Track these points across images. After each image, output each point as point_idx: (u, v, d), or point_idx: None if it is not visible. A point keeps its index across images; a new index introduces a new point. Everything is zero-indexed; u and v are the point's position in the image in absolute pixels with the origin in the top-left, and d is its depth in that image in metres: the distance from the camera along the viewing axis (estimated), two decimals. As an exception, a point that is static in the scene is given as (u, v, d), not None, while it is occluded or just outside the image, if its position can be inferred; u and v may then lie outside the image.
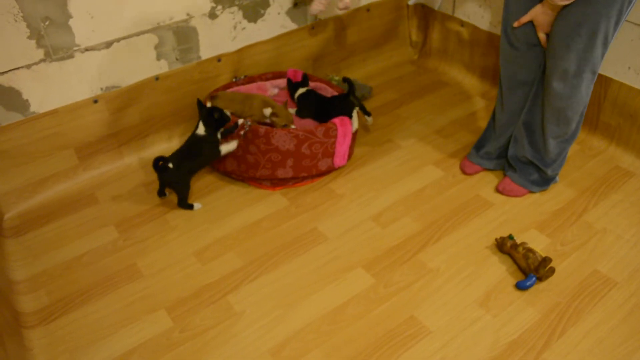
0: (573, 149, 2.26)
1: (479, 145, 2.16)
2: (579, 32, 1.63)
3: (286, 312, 1.66)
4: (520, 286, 1.70)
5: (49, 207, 2.07)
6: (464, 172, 2.16)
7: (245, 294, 1.72)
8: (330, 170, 2.14)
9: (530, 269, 1.71)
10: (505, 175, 2.10)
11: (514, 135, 2.04)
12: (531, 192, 2.05)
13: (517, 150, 2.04)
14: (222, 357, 1.55)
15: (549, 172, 2.00)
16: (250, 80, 2.35)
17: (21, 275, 1.81)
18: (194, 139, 1.96)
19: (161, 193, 2.07)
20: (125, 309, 1.69)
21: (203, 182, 2.16)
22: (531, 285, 1.70)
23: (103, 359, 1.55)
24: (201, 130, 1.93)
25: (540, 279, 1.72)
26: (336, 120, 2.04)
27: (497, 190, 2.07)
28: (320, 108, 2.21)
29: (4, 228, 1.98)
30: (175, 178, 1.97)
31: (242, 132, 1.96)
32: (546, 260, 1.68)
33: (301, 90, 2.29)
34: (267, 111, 2.06)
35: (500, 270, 1.78)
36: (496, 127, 2.07)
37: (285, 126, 2.04)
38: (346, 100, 2.15)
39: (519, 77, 1.91)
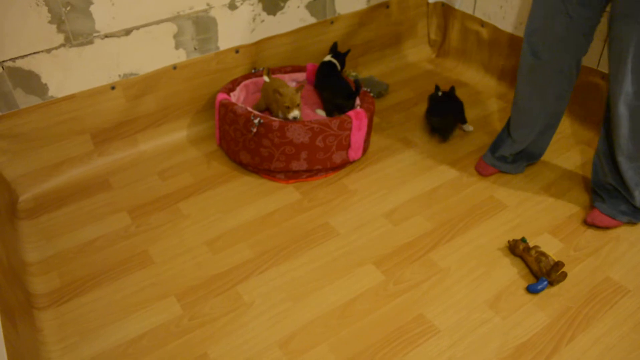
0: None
1: (494, 148, 2.13)
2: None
3: (295, 304, 1.67)
4: (531, 290, 1.69)
5: (64, 191, 2.09)
6: (479, 173, 2.15)
7: (255, 285, 1.73)
8: (345, 163, 2.13)
9: (542, 273, 1.69)
10: (593, 206, 1.95)
11: (593, 162, 1.95)
12: (622, 222, 1.90)
13: (599, 177, 1.93)
14: (230, 346, 1.55)
15: (637, 201, 1.86)
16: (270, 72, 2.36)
17: (34, 257, 1.83)
18: (448, 96, 2.33)
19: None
20: (136, 294, 1.70)
21: (217, 172, 2.17)
22: (542, 289, 1.69)
23: (112, 343, 1.56)
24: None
25: (551, 284, 1.70)
26: (351, 113, 2.04)
27: (587, 222, 1.92)
28: (328, 82, 2.26)
29: (18, 210, 2.00)
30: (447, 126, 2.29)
31: (253, 129, 1.96)
32: (558, 265, 1.67)
33: (326, 58, 2.34)
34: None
35: (511, 273, 1.77)
36: (512, 135, 2.04)
37: (288, 108, 2.01)
38: (350, 98, 2.18)
39: (539, 90, 1.87)
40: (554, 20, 1.73)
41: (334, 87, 2.22)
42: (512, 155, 2.09)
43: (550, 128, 2.04)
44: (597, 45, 2.21)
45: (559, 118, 2.01)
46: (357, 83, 2.17)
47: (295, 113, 2.01)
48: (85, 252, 1.85)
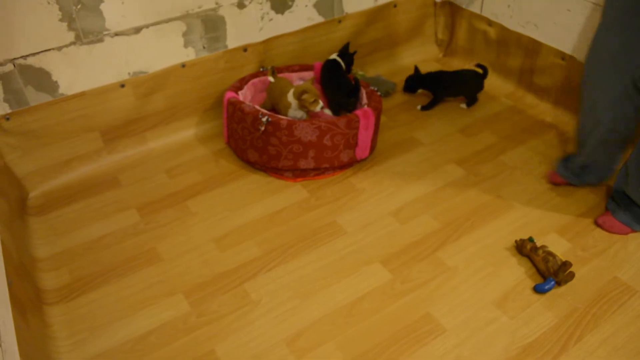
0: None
1: (565, 157, 2.06)
2: None
3: (302, 302, 1.67)
4: (538, 289, 1.69)
5: (73, 187, 2.11)
6: (551, 181, 2.08)
7: (262, 282, 1.74)
8: (352, 162, 2.14)
9: (550, 273, 1.69)
10: (606, 209, 1.94)
11: (620, 170, 1.88)
12: (634, 231, 1.88)
13: (621, 185, 1.88)
14: (237, 343, 1.56)
15: None
16: (277, 71, 2.36)
17: (44, 253, 1.85)
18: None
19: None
20: (144, 291, 1.71)
21: (225, 170, 2.18)
22: (549, 289, 1.69)
23: (121, 339, 1.57)
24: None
25: (559, 284, 1.70)
26: (359, 112, 2.04)
27: (597, 223, 1.92)
28: (329, 81, 2.27)
29: (28, 206, 2.02)
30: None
31: (261, 128, 1.97)
32: (566, 265, 1.67)
33: (332, 56, 2.35)
34: (290, 95, 2.07)
35: (518, 272, 1.77)
36: (580, 148, 1.95)
37: (315, 102, 2.05)
38: (349, 96, 2.21)
39: (593, 106, 1.79)
40: (620, 32, 1.63)
41: (335, 85, 2.23)
42: (579, 167, 2.01)
43: (612, 146, 1.90)
44: (606, 45, 2.21)
45: (622, 138, 1.85)
46: (357, 81, 2.18)
47: (321, 104, 2.08)
48: (94, 248, 1.86)
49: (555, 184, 2.09)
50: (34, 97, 1.99)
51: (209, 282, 1.74)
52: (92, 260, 1.82)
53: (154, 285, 1.73)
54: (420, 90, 2.59)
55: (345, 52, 2.39)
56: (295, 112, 2.10)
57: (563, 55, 2.38)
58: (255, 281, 1.74)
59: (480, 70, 2.51)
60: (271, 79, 2.23)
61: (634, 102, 1.73)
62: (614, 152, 1.93)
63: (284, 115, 2.12)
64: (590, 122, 1.86)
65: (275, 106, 2.18)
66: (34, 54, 1.92)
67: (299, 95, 2.05)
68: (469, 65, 2.83)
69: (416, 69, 2.53)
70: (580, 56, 2.31)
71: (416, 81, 2.54)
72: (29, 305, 1.56)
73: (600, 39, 1.71)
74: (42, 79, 1.97)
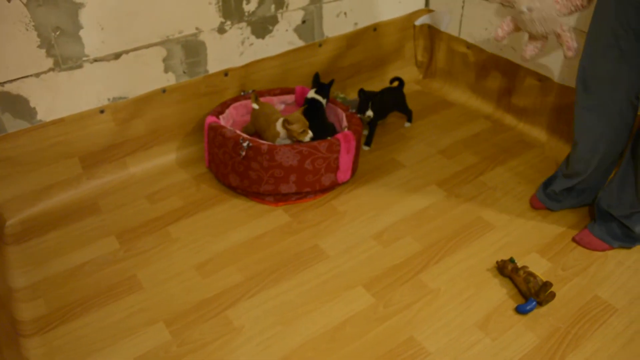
0: (575, 173, 2.27)
1: (547, 183, 2.07)
2: None
3: (285, 328, 1.66)
4: (520, 310, 1.70)
5: (52, 215, 2.08)
6: (532, 205, 2.10)
7: (244, 309, 1.72)
8: (334, 185, 2.14)
9: (531, 293, 1.70)
10: (586, 226, 1.96)
11: (607, 186, 1.89)
12: (612, 247, 1.90)
13: (605, 201, 1.89)
14: (219, 372, 1.54)
15: (637, 229, 1.84)
16: (258, 94, 2.37)
17: (21, 282, 1.81)
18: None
19: None
20: (124, 320, 1.69)
21: (206, 195, 2.17)
22: (531, 310, 1.70)
23: (100, 371, 1.55)
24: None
25: (540, 304, 1.71)
26: (339, 135, 2.05)
27: (574, 240, 1.95)
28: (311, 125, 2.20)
29: (5, 235, 1.99)
30: None
31: (242, 153, 1.97)
32: (547, 285, 1.68)
33: (310, 95, 2.30)
34: (278, 124, 2.08)
35: (500, 294, 1.77)
36: (567, 169, 1.96)
37: (303, 132, 2.06)
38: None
39: (589, 127, 1.79)
40: (604, 54, 1.65)
41: (315, 127, 2.17)
42: (561, 191, 2.01)
43: (609, 167, 1.93)
44: (580, 66, 2.25)
45: (612, 159, 1.88)
46: (333, 126, 2.24)
47: (310, 134, 2.08)
48: (74, 277, 1.83)
49: (535, 208, 2.10)
50: (12, 123, 1.97)
51: (190, 310, 1.72)
52: (71, 289, 1.79)
53: (134, 314, 1.70)
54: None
55: (322, 85, 2.32)
56: (283, 141, 2.11)
57: (539, 77, 2.43)
58: (237, 308, 1.72)
59: (396, 83, 2.55)
60: (255, 106, 2.22)
61: (624, 122, 1.76)
62: (608, 172, 1.95)
63: (267, 140, 2.12)
64: (589, 143, 1.84)
65: (261, 134, 2.18)
66: (11, 81, 1.90)
67: (287, 125, 2.05)
68: (447, 89, 2.87)
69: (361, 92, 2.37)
70: (556, 77, 2.36)
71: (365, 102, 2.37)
72: (4, 338, 1.52)
73: (594, 59, 1.70)
74: (20, 106, 1.96)
